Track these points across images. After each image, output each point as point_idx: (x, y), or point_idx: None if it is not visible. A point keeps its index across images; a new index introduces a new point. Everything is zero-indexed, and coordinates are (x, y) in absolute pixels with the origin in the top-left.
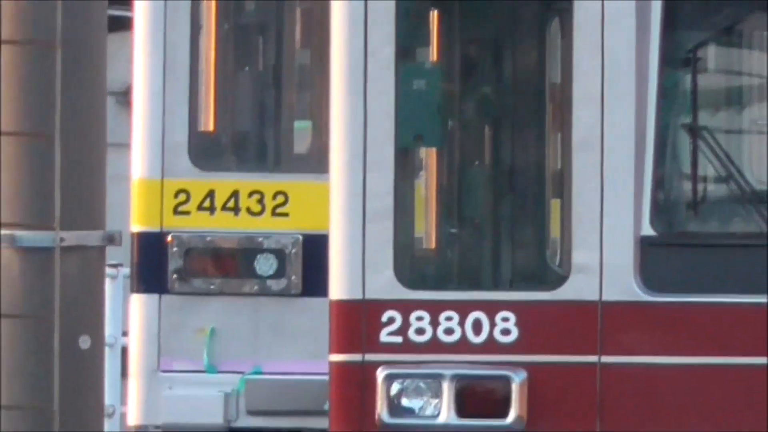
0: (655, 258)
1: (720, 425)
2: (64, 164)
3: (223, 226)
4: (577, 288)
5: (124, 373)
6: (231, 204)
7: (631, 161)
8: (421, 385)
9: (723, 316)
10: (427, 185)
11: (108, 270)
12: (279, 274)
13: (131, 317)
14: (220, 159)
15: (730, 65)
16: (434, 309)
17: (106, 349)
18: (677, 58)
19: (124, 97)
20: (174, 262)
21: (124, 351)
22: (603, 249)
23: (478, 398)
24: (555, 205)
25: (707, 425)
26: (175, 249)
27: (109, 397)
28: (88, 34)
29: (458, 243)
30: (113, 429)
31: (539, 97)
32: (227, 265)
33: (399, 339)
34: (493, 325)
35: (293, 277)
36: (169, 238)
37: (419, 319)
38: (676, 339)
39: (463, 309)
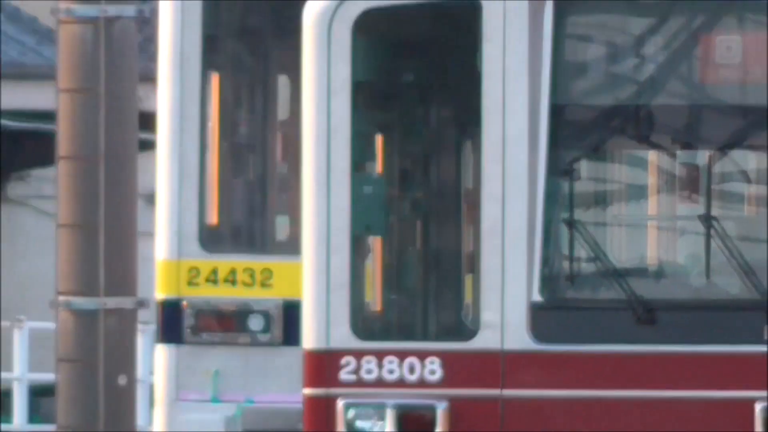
0: (543, 318)
1: None
2: (107, 248)
3: (224, 294)
4: (484, 340)
5: (151, 403)
6: (230, 278)
7: (524, 245)
8: (370, 411)
9: (595, 360)
10: (374, 263)
11: (139, 326)
12: (266, 329)
13: (157, 361)
14: (222, 244)
15: (599, 174)
16: (380, 355)
17: (139, 385)
18: (559, 168)
19: (151, 198)
20: (188, 321)
21: (152, 386)
22: (504, 311)
23: (412, 421)
24: (468, 278)
25: None
26: (188, 311)
27: (140, 421)
28: (124, 151)
29: (397, 306)
30: None
31: (457, 198)
32: (227, 323)
33: (354, 377)
34: (423, 367)
35: (276, 332)
36: (184, 303)
37: (368, 362)
38: (560, 377)
39: (401, 355)
